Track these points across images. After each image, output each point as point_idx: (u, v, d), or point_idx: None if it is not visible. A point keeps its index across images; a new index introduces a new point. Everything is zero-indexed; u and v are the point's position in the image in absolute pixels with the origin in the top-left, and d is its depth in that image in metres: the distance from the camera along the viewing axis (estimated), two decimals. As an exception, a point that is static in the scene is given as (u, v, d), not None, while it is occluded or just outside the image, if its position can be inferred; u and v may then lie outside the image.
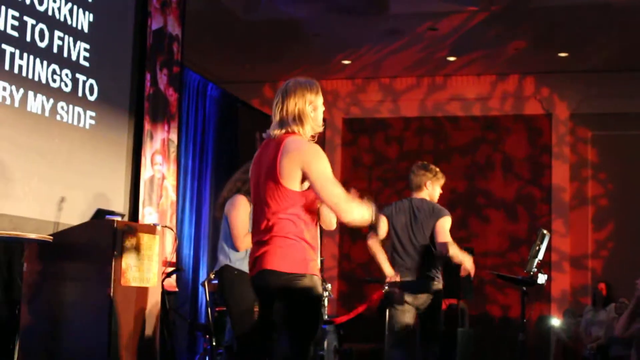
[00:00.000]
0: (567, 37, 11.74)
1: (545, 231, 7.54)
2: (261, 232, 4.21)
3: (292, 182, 4.12)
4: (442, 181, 7.04)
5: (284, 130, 4.21)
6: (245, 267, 5.83)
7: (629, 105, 13.01)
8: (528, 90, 13.52)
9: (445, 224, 6.81)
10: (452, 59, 12.83)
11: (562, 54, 12.43)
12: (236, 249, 6.05)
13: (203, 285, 7.11)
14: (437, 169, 7.04)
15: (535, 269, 7.42)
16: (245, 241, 5.97)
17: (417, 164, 7.10)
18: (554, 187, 13.30)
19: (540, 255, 7.46)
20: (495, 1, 10.58)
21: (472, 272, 6.75)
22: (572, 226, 13.17)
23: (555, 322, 12.06)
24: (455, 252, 6.71)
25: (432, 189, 6.97)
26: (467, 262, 6.70)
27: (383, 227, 6.94)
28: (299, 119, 4.21)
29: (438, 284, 6.85)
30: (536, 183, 13.44)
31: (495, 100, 13.65)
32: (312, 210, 4.23)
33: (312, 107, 4.26)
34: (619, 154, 13.12)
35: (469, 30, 11.46)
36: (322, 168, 4.12)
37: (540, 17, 11.00)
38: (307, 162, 4.09)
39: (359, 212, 4.13)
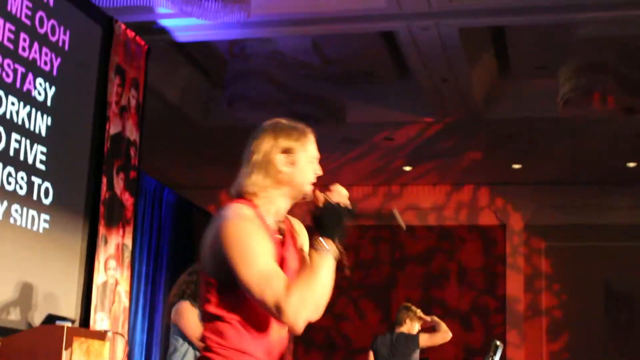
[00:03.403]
0: (520, 149, 11.96)
1: (498, 342, 7.61)
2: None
3: None
4: (420, 320, 8.39)
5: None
6: None
7: (581, 217, 13.20)
8: (482, 201, 13.68)
9: (423, 340, 8.20)
10: (407, 168, 12.98)
11: (516, 166, 12.63)
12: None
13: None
14: (417, 310, 8.41)
15: (490, 380, 7.42)
16: None
17: (402, 304, 8.63)
18: (508, 297, 13.35)
19: (495, 366, 7.47)
20: (449, 113, 10.79)
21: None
22: (526, 337, 13.17)
23: None
24: (434, 339, 8.24)
25: (410, 325, 8.31)
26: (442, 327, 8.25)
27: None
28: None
29: None
30: (491, 293, 13.48)
31: (450, 210, 13.77)
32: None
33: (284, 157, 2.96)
34: (573, 265, 13.23)
35: (424, 140, 11.65)
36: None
37: (494, 129, 11.22)
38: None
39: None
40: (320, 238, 2.71)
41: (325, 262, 2.67)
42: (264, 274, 2.61)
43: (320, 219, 2.78)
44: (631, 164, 12.29)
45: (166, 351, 6.33)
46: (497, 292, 13.46)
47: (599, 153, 11.80)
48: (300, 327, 2.61)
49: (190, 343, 5.97)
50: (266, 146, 2.94)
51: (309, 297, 2.60)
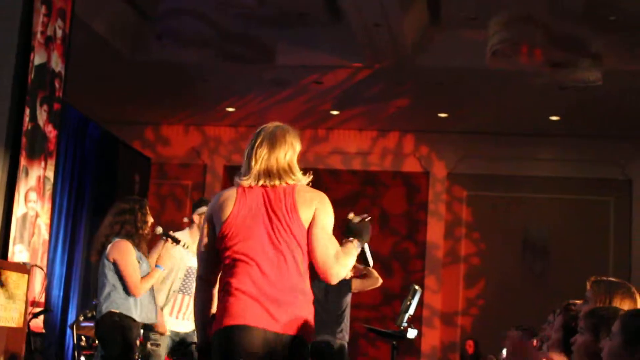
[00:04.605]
0: (447, 98, 12.06)
1: (416, 287, 7.74)
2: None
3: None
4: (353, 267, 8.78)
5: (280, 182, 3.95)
6: (134, 312, 5.77)
7: (502, 168, 13.43)
8: (407, 148, 13.80)
9: (355, 285, 8.24)
10: (335, 112, 13.00)
11: (442, 115, 12.75)
12: (130, 295, 5.88)
13: (71, 327, 6.94)
14: None
15: (406, 324, 7.57)
16: (143, 287, 5.85)
17: None
18: (428, 243, 13.56)
19: (411, 310, 7.62)
20: (379, 59, 10.80)
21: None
22: (444, 283, 13.42)
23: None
24: (365, 284, 8.30)
25: None
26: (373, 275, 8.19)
27: None
28: (291, 170, 3.97)
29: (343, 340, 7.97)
30: (412, 239, 13.66)
31: (375, 155, 13.87)
32: None
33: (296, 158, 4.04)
34: (492, 215, 13.47)
35: (353, 85, 11.66)
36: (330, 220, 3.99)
37: (423, 78, 11.28)
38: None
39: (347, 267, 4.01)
40: (355, 240, 4.16)
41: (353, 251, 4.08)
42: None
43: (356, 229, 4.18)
44: (554, 117, 12.50)
45: (88, 286, 6.28)
46: (417, 238, 13.65)
47: (524, 105, 11.97)
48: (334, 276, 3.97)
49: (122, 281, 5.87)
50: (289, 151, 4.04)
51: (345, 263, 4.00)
